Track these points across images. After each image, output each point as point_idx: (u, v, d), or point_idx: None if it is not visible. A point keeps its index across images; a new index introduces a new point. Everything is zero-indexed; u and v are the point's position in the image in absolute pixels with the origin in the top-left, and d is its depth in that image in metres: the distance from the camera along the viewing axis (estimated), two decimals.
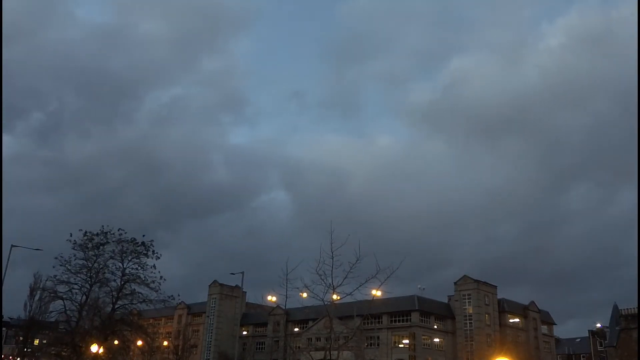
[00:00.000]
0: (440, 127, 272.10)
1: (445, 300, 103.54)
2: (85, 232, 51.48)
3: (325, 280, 25.22)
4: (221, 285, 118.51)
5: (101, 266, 52.10)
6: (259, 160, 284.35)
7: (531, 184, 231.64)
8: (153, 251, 52.72)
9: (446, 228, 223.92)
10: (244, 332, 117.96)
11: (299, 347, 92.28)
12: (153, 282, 51.72)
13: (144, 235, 53.67)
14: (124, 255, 52.20)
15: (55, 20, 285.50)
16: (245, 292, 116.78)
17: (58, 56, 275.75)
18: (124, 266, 52.52)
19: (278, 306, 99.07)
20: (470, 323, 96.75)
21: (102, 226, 52.11)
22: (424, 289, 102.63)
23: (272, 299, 46.72)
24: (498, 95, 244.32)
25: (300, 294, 26.99)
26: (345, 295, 25.97)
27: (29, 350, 72.70)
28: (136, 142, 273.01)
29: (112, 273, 52.55)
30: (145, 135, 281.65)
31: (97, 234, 51.45)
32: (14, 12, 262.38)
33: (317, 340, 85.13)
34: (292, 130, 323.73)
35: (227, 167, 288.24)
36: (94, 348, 48.23)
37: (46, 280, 58.18)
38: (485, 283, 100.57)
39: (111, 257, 52.02)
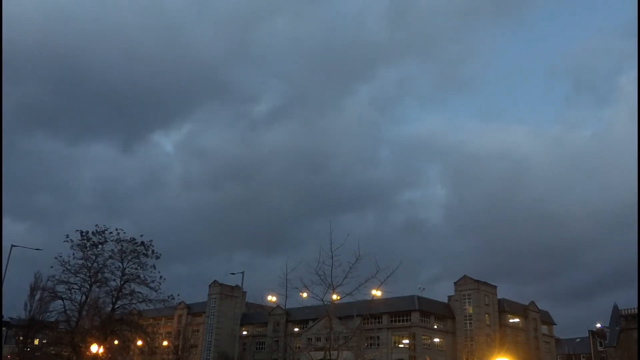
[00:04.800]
0: None
1: (445, 300, 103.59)
2: (82, 232, 51.43)
3: (325, 280, 25.21)
4: (221, 285, 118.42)
5: (101, 266, 52.04)
6: (425, 152, 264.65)
7: None
8: (152, 251, 52.65)
9: (612, 226, 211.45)
10: (244, 332, 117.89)
11: (299, 347, 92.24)
12: (153, 281, 51.69)
13: (141, 235, 53.61)
14: (124, 255, 52.12)
15: None
16: (246, 292, 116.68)
17: (317, 33, 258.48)
18: (124, 266, 52.43)
19: (278, 306, 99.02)
20: (470, 323, 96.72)
21: (97, 225, 52.09)
22: (423, 289, 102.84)
23: (272, 299, 46.64)
24: None
25: (300, 294, 26.98)
26: (345, 295, 25.95)
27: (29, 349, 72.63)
28: (315, 133, 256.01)
29: (112, 273, 52.46)
30: (334, 124, 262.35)
31: (94, 233, 51.38)
32: None
33: (317, 340, 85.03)
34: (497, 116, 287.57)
35: (390, 159, 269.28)
36: (94, 348, 48.20)
37: (47, 280, 58.17)
38: (485, 283, 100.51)
39: (110, 257, 51.94)
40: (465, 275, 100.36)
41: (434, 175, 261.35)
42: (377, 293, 27.85)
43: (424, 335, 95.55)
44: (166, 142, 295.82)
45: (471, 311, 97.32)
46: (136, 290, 52.22)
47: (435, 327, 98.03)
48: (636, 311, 68.29)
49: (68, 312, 52.41)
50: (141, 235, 53.45)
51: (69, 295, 51.85)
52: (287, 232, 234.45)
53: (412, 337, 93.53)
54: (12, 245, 52.23)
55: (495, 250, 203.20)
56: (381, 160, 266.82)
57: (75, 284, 51.60)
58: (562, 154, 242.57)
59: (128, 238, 52.47)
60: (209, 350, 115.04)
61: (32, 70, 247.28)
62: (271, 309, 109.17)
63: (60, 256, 50.59)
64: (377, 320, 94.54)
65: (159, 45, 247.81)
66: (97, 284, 52.09)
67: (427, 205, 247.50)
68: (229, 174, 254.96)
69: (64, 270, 50.56)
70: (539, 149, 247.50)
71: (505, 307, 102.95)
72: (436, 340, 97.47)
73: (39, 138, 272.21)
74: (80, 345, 50.71)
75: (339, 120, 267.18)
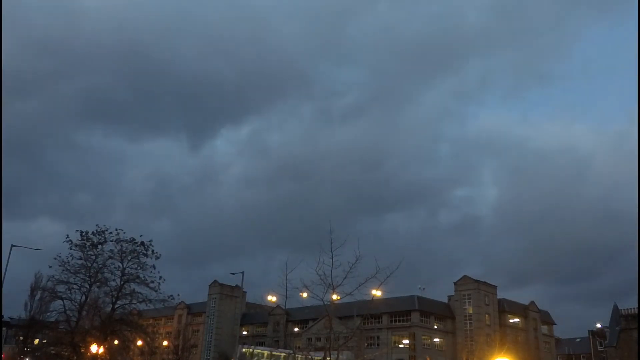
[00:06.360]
0: None
1: (445, 300, 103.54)
2: (82, 232, 51.43)
3: (325, 280, 25.18)
4: (221, 285, 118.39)
5: (100, 266, 52.03)
6: (485, 150, 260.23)
7: None
8: (152, 251, 52.63)
9: None
10: (244, 332, 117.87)
11: (299, 347, 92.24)
12: (152, 282, 51.67)
13: (141, 235, 53.58)
14: (123, 255, 52.10)
15: None
16: (246, 292, 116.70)
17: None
18: (124, 266, 52.42)
19: (278, 306, 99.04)
20: (470, 323, 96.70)
21: (97, 225, 52.13)
22: (423, 289, 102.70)
23: (272, 299, 46.57)
24: None
25: (301, 293, 26.94)
26: (345, 295, 25.93)
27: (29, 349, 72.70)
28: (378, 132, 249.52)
29: (112, 273, 52.45)
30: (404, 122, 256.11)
31: (94, 233, 51.38)
32: None
33: (317, 340, 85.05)
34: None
35: (449, 157, 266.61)
36: (94, 348, 48.20)
37: (47, 281, 58.18)
38: (485, 283, 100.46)
39: (110, 257, 51.92)
40: (465, 275, 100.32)
41: (489, 174, 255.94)
42: (377, 293, 27.84)
43: (424, 335, 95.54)
44: (233, 139, 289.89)
45: (471, 311, 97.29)
46: (136, 290, 52.26)
47: (435, 327, 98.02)
48: (636, 311, 68.26)
49: (68, 312, 52.40)
50: (140, 235, 53.50)
51: (69, 295, 51.88)
52: (333, 232, 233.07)
53: (412, 337, 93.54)
54: (12, 245, 52.31)
55: (542, 251, 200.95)
56: (440, 158, 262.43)
57: (75, 284, 51.62)
58: (628, 150, 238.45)
59: (128, 238, 52.53)
60: (209, 350, 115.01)
61: (107, 64, 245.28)
62: (271, 309, 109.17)
63: (59, 256, 50.66)
64: (377, 320, 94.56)
65: (242, 40, 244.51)
66: (97, 284, 52.08)
67: (479, 204, 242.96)
68: (288, 173, 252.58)
69: (63, 270, 50.61)
70: (604, 145, 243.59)
71: (505, 307, 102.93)
72: (436, 340, 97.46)
73: (96, 134, 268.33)
74: (80, 345, 50.68)
75: (410, 116, 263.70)
